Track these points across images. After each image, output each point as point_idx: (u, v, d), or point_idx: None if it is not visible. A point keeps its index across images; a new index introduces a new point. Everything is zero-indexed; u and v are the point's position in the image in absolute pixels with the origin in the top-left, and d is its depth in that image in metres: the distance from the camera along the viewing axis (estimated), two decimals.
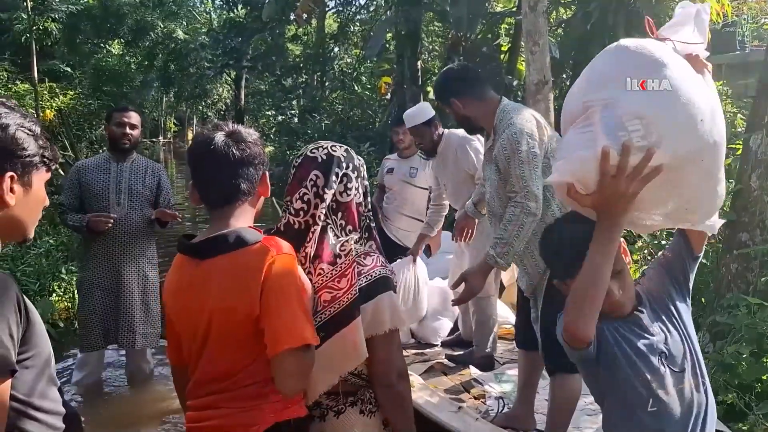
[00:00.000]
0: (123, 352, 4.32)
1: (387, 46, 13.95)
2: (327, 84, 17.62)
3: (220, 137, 1.61)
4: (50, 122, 13.07)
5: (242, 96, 22.33)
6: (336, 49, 18.39)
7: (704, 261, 4.33)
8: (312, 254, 1.70)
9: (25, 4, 13.29)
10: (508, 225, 2.65)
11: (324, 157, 1.75)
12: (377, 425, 1.79)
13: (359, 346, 1.66)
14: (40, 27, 14.85)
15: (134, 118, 4.03)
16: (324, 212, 1.72)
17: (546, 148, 2.75)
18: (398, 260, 4.26)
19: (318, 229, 1.71)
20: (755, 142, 3.64)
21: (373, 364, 1.73)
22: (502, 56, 10.62)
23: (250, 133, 1.68)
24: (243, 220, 1.64)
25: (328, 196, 1.72)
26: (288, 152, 11.88)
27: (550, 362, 2.85)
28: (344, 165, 1.77)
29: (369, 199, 1.86)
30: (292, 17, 13.96)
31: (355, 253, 1.73)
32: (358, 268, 1.71)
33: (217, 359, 1.59)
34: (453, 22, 9.22)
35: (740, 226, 3.72)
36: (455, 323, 4.54)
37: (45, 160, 1.37)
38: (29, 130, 1.35)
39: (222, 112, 23.66)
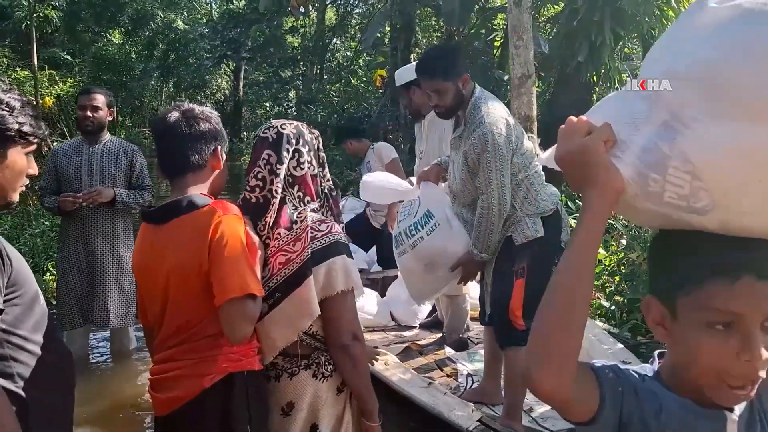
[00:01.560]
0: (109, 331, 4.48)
1: (383, 39, 14.08)
2: (325, 77, 17.73)
3: (173, 115, 1.81)
4: (49, 109, 13.21)
5: (240, 87, 22.43)
6: (335, 41, 18.52)
7: None
8: (271, 223, 1.86)
9: None
10: (480, 226, 2.87)
11: (274, 136, 1.91)
12: (330, 390, 1.90)
13: (311, 304, 1.79)
14: (41, 14, 14.95)
15: (98, 100, 4.07)
16: (281, 186, 1.87)
17: (513, 149, 2.87)
18: None
19: (277, 201, 1.87)
20: None
21: (327, 324, 1.86)
22: (495, 51, 10.76)
23: (203, 111, 1.86)
24: (196, 189, 1.81)
25: (282, 170, 1.88)
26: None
27: (500, 337, 3.02)
28: (294, 141, 1.92)
29: (326, 169, 2.02)
30: (289, 9, 14.07)
31: (311, 220, 1.88)
32: (312, 233, 1.85)
33: (176, 315, 1.75)
34: (444, 15, 9.35)
35: None
36: (432, 305, 4.72)
37: (22, 133, 1.53)
38: (6, 105, 1.52)
39: (221, 103, 23.81)
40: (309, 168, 1.94)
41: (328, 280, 1.83)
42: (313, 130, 2.03)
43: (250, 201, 1.88)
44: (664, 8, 7.09)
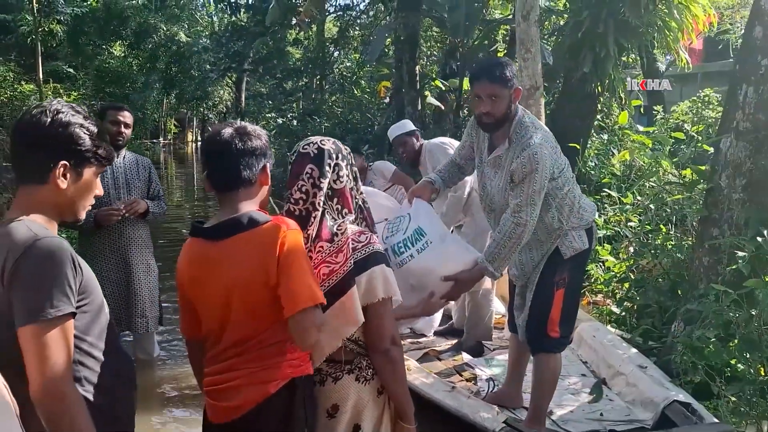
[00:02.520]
0: (129, 338, 4.54)
1: (386, 50, 14.23)
2: (327, 87, 17.86)
3: (227, 131, 1.88)
4: None
5: (243, 98, 22.56)
6: (336, 53, 18.67)
7: (680, 255, 4.62)
8: (313, 235, 1.96)
9: (30, 5, 13.54)
10: (506, 241, 2.78)
11: (316, 151, 2.00)
12: (371, 392, 2.00)
13: (356, 312, 1.89)
14: (46, 29, 15.10)
15: (128, 117, 4.19)
16: (322, 199, 1.97)
17: (560, 167, 2.89)
18: None
19: (318, 214, 1.97)
20: (725, 145, 3.93)
21: (369, 330, 1.96)
22: None
23: (254, 129, 1.93)
24: (248, 205, 1.88)
25: (324, 184, 1.97)
26: (288, 154, 12.01)
27: (533, 344, 3.12)
28: (335, 156, 2.02)
29: (359, 183, 2.12)
30: (293, 21, 14.22)
31: (351, 232, 1.98)
32: (353, 244, 1.95)
33: (239, 327, 1.82)
34: (450, 28, 9.49)
35: (711, 222, 4.00)
36: (448, 314, 4.82)
37: (98, 156, 1.68)
38: (87, 129, 1.65)
39: (223, 114, 23.92)
40: (347, 181, 2.04)
41: (369, 288, 1.93)
42: (347, 147, 2.14)
43: (293, 213, 1.97)
44: (667, 19, 7.23)
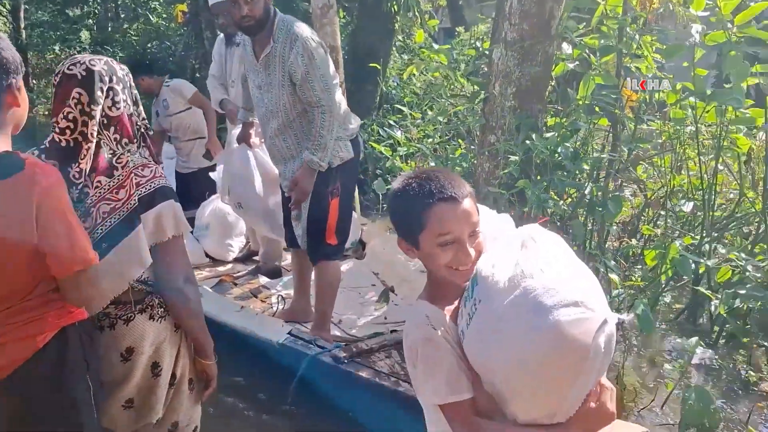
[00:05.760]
0: None
1: None
2: (122, 15, 16.31)
3: None
4: None
5: (22, 28, 19.89)
6: None
7: (465, 164, 4.86)
8: (87, 170, 1.73)
9: None
10: (322, 131, 2.89)
11: (84, 73, 1.74)
12: (167, 329, 1.87)
13: (143, 253, 1.74)
14: None
15: None
16: (96, 129, 1.74)
17: None
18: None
19: (92, 145, 1.74)
20: (496, 55, 4.11)
21: (160, 269, 1.81)
22: None
23: None
24: None
25: (97, 112, 1.74)
26: (54, 76, 10.86)
27: (313, 253, 3.14)
28: (107, 78, 1.77)
29: (140, 107, 1.89)
30: None
31: (132, 165, 1.78)
32: (136, 179, 1.76)
33: None
34: None
35: (489, 129, 4.22)
36: (246, 239, 4.69)
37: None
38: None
39: None
40: (125, 107, 1.81)
41: (158, 227, 1.78)
42: (123, 66, 1.88)
43: (59, 144, 1.72)
44: None
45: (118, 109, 1.80)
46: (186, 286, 1.83)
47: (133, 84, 1.89)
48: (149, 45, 12.80)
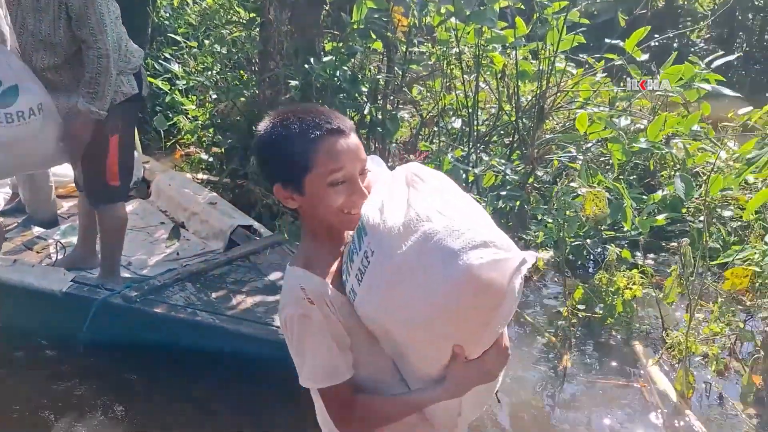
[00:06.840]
0: None
1: None
2: None
3: None
4: None
5: None
6: None
7: (246, 92, 4.78)
8: None
9: None
10: (99, 78, 2.66)
11: None
12: None
13: None
14: None
15: None
16: None
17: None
18: None
19: None
20: None
21: None
22: None
23: None
24: None
25: None
26: None
27: (95, 197, 2.98)
28: None
29: None
30: None
31: None
32: None
33: None
34: None
35: (268, 55, 4.20)
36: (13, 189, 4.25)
37: None
38: None
39: None
40: None
41: None
42: None
43: None
44: None
45: None
46: None
47: None
48: None
